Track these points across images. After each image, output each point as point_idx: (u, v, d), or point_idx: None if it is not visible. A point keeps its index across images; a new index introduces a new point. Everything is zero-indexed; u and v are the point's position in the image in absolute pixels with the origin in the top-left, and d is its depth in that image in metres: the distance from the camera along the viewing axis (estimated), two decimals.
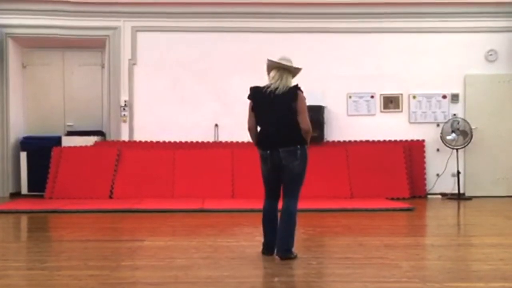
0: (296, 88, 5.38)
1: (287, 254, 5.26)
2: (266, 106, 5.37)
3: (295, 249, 5.35)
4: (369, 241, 6.30)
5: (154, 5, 11.23)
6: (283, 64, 5.43)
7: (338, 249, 6.04)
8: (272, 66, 5.48)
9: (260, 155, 5.48)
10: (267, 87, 5.41)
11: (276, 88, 5.34)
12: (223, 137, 11.27)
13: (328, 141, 11.18)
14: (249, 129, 5.58)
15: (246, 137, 10.81)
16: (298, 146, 5.29)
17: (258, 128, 5.54)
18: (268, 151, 5.36)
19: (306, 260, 5.28)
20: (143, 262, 5.34)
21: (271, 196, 5.49)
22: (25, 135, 11.45)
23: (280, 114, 5.31)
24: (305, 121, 5.32)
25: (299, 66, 5.53)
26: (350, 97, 11.40)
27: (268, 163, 5.39)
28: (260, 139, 5.49)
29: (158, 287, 4.39)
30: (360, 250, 5.85)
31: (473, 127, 10.91)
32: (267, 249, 5.45)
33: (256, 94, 5.46)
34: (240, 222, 8.01)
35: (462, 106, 11.38)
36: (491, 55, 11.40)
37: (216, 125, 11.34)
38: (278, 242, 5.31)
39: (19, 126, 11.52)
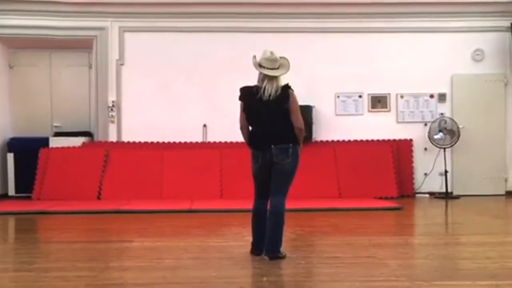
0: (288, 88, 5.33)
1: (275, 254, 5.25)
2: (258, 107, 5.31)
3: (283, 249, 5.34)
4: (357, 241, 6.31)
5: (142, 6, 11.18)
6: (270, 76, 5.28)
7: (327, 249, 6.04)
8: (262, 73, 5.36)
9: (251, 153, 5.46)
10: (257, 87, 5.33)
11: (269, 93, 5.25)
12: (212, 138, 11.25)
13: (316, 141, 11.18)
14: (241, 128, 5.53)
15: (234, 137, 10.89)
16: (291, 145, 5.27)
17: (250, 127, 5.50)
18: (260, 150, 5.35)
19: (295, 260, 5.27)
20: (131, 263, 5.30)
21: (261, 196, 5.46)
22: (12, 136, 11.36)
23: (273, 115, 5.27)
24: (298, 120, 5.31)
25: (287, 63, 5.42)
26: (338, 96, 11.42)
27: (259, 160, 5.36)
28: (252, 139, 5.45)
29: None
30: (349, 249, 5.85)
31: (460, 126, 10.97)
32: (256, 249, 5.42)
33: (247, 95, 5.41)
34: (228, 222, 7.99)
35: (450, 105, 11.43)
36: (478, 54, 11.47)
37: (205, 125, 11.32)
38: (267, 242, 5.29)
39: (5, 127, 11.42)
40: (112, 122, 11.21)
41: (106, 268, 5.04)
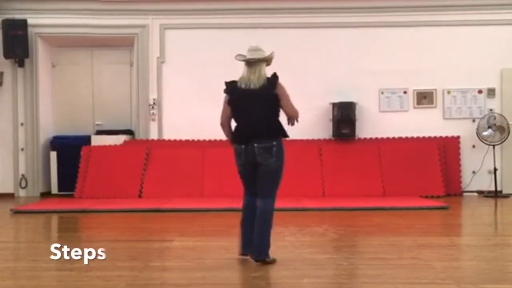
0: (275, 77, 5.22)
1: (263, 257, 5.09)
2: (243, 101, 5.21)
3: (271, 253, 5.16)
4: (401, 241, 6.20)
5: (182, 2, 11.16)
6: (250, 58, 5.26)
7: (370, 249, 5.93)
8: (241, 61, 5.33)
9: (234, 149, 5.34)
10: (241, 82, 5.26)
11: (251, 83, 5.19)
12: None
13: (359, 138, 11.01)
14: (222, 125, 5.44)
15: None
16: (274, 143, 5.13)
17: (233, 123, 5.39)
18: (243, 146, 5.21)
19: (336, 261, 5.22)
20: (171, 263, 5.34)
21: (250, 193, 5.32)
22: (55, 134, 11.51)
23: (258, 108, 5.15)
24: (289, 107, 5.17)
25: (269, 53, 5.35)
26: (382, 93, 11.20)
27: (242, 157, 5.24)
28: (236, 134, 5.34)
29: None
30: (393, 250, 5.75)
31: (510, 122, 10.65)
32: (245, 247, 5.24)
33: (233, 89, 5.30)
34: None
35: (499, 101, 11.10)
36: None
37: None
38: (254, 245, 5.14)
39: (48, 126, 11.58)
40: (153, 120, 11.23)
41: (147, 267, 5.08)
